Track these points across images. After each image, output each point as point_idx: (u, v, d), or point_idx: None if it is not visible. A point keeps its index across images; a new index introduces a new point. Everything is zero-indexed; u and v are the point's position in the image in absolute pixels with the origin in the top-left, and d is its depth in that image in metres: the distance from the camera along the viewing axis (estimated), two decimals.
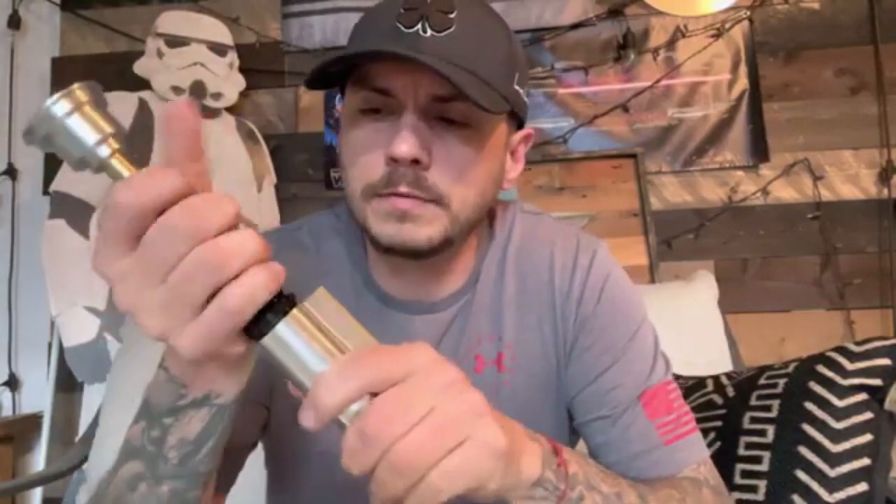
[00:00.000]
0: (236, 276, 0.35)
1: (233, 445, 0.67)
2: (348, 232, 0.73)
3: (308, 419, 0.36)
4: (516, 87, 0.63)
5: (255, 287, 0.35)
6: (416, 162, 0.57)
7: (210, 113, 1.85)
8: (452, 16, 0.57)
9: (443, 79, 0.53)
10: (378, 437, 0.35)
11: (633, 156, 1.90)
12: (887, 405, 0.85)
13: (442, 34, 0.56)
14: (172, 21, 1.85)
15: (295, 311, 0.37)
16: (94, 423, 1.37)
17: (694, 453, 0.66)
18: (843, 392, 0.86)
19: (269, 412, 0.70)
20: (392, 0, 0.59)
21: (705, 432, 0.95)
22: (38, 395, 1.89)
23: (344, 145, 0.63)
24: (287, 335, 0.37)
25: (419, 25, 0.56)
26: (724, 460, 0.89)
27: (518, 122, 0.67)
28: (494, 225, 0.74)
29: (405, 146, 0.55)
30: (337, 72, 0.60)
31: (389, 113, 0.59)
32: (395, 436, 0.35)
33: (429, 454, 0.35)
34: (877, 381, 0.85)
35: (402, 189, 0.57)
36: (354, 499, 0.67)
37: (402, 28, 0.56)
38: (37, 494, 1.78)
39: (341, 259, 0.72)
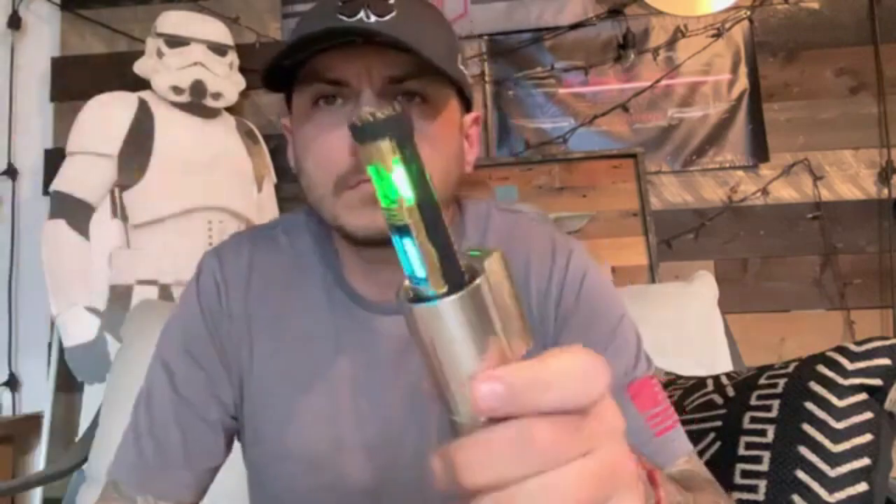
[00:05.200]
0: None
1: (199, 467, 0.67)
2: (319, 230, 0.73)
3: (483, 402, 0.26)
4: (461, 68, 0.63)
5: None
6: None
7: (210, 113, 1.85)
8: (392, 1, 0.57)
9: (400, 53, 0.53)
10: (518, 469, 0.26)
11: (633, 156, 1.90)
12: (888, 405, 0.85)
13: (385, 18, 0.56)
14: (172, 21, 1.85)
15: (470, 288, 0.27)
16: (94, 423, 1.37)
17: (682, 444, 0.65)
18: (843, 392, 0.86)
19: (238, 421, 0.71)
20: None
21: (705, 432, 0.95)
22: (38, 395, 1.89)
23: (301, 146, 0.62)
24: (453, 315, 0.27)
25: (361, 13, 0.56)
26: (724, 460, 0.89)
27: (466, 105, 0.68)
28: (466, 222, 0.73)
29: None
30: (287, 74, 0.60)
31: (346, 102, 0.59)
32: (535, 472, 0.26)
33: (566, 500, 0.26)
34: (877, 381, 0.85)
35: None
36: (332, 500, 0.67)
37: (345, 18, 0.56)
38: (37, 494, 1.78)
39: (313, 257, 0.72)
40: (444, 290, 0.27)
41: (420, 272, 0.27)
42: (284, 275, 0.70)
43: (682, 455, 0.65)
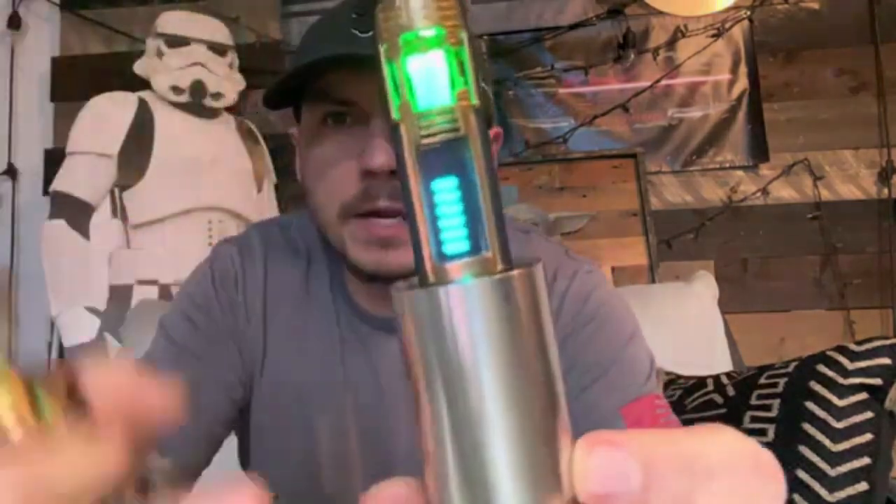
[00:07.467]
0: None
1: (205, 425, 0.64)
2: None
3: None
4: (483, 85, 0.61)
5: None
6: (393, 172, 0.53)
7: (210, 113, 1.85)
8: None
9: None
10: None
11: (633, 156, 1.91)
12: (888, 404, 0.85)
13: None
14: (172, 21, 1.85)
15: None
16: None
17: None
18: (843, 391, 0.86)
19: (247, 399, 0.68)
20: (343, 6, 0.57)
21: None
22: None
23: (309, 166, 0.60)
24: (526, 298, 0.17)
25: None
26: None
27: (488, 122, 0.65)
28: None
29: (382, 156, 0.52)
30: (296, 88, 0.57)
31: (355, 123, 0.56)
32: None
33: None
34: (877, 381, 0.85)
35: (382, 203, 0.54)
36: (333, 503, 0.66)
37: (359, 33, 0.53)
38: None
39: (323, 265, 0.68)
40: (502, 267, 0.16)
41: (473, 237, 0.16)
42: (301, 281, 0.68)
43: None
